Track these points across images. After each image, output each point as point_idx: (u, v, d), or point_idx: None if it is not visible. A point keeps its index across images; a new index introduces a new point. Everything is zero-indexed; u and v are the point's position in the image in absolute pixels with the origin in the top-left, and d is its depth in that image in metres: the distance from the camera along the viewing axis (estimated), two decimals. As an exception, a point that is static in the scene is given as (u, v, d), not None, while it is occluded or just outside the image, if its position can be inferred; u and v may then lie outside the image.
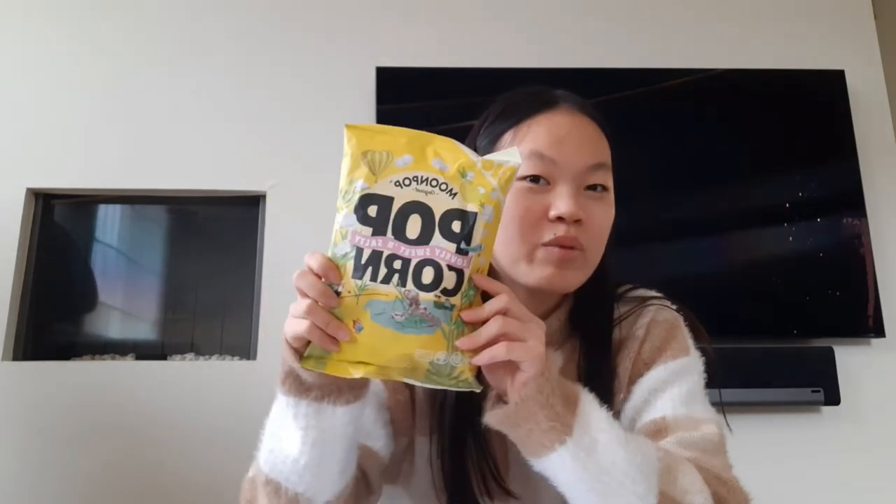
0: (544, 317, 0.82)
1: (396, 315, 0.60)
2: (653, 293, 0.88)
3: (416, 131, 0.64)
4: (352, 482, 0.74)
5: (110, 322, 2.22)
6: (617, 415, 0.80)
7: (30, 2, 2.28)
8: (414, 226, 0.61)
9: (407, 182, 0.62)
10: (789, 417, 2.08)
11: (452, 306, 0.61)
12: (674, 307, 0.86)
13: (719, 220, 2.15)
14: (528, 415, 0.63)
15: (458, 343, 0.61)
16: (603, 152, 0.81)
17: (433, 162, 0.63)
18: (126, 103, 2.20)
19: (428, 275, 0.60)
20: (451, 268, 0.61)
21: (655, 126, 2.22)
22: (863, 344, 2.14)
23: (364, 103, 2.19)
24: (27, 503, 1.90)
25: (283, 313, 2.01)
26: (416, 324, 0.60)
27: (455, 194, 0.62)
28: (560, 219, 0.76)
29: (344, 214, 0.63)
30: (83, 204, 2.25)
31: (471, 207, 0.61)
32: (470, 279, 0.62)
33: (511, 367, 0.63)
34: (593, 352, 0.81)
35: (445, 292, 0.60)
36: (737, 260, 2.13)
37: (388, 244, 0.61)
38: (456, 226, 0.61)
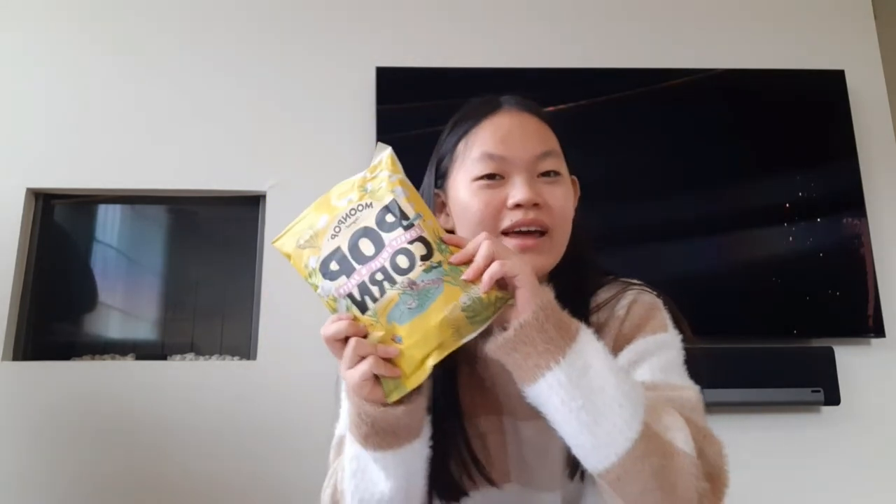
0: None
1: (410, 305, 0.67)
2: (634, 281, 0.91)
3: (316, 201, 0.78)
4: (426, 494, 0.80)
5: (110, 322, 2.22)
6: None
7: (30, 2, 2.28)
8: (366, 245, 0.70)
9: (337, 229, 0.72)
10: (789, 417, 2.08)
11: (438, 263, 0.68)
12: (654, 292, 0.89)
13: (719, 220, 2.15)
14: (525, 339, 0.67)
15: (463, 276, 0.68)
16: (549, 141, 0.87)
17: (340, 203, 0.74)
18: (126, 103, 2.20)
19: (402, 261, 0.68)
20: (411, 242, 0.68)
21: (655, 126, 2.22)
22: (863, 344, 2.14)
23: (364, 103, 2.19)
24: (28, 503, 1.90)
25: (283, 313, 2.03)
26: (427, 296, 0.67)
27: (371, 204, 0.71)
28: (518, 206, 0.82)
29: (320, 287, 0.72)
30: (83, 204, 2.25)
31: (387, 199, 0.71)
32: (440, 239, 0.70)
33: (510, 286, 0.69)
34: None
35: (424, 258, 0.68)
36: (737, 260, 2.13)
37: (362, 272, 0.69)
38: (389, 218, 0.70)
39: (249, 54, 2.26)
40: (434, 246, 0.68)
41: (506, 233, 0.82)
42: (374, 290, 0.68)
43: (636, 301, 0.86)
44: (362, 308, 0.69)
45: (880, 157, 2.28)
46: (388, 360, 0.67)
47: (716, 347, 2.05)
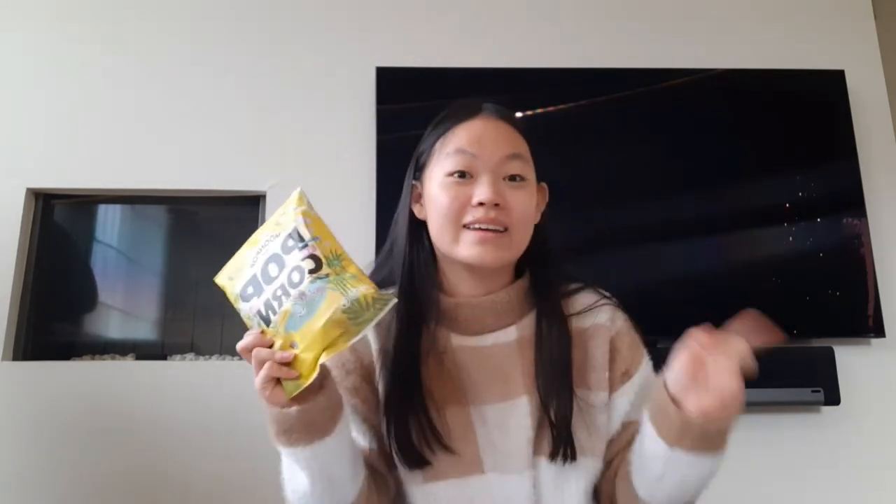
0: (496, 291, 0.95)
1: (301, 313, 0.76)
2: (604, 293, 1.01)
3: (248, 240, 0.86)
4: (364, 482, 0.87)
5: (110, 322, 2.22)
6: (588, 384, 0.94)
7: (30, 2, 2.28)
8: (273, 268, 0.79)
9: (254, 259, 0.82)
10: (789, 417, 2.08)
11: (326, 274, 0.76)
12: (619, 304, 1.00)
13: (719, 220, 2.15)
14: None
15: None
16: (518, 146, 0.93)
17: (260, 237, 0.83)
18: (126, 103, 2.20)
19: (295, 276, 0.77)
20: (303, 259, 0.77)
21: (655, 126, 2.22)
22: (863, 344, 2.14)
23: (364, 103, 2.19)
24: (28, 503, 1.90)
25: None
26: (313, 303, 0.75)
27: (279, 234, 0.80)
28: (481, 204, 0.89)
29: (241, 310, 0.84)
30: (83, 204, 2.25)
31: (289, 228, 0.80)
32: (338, 256, 0.79)
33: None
34: (548, 320, 0.94)
35: (312, 271, 0.77)
36: (737, 260, 2.13)
37: (267, 291, 0.79)
38: (290, 243, 0.79)
39: (249, 54, 2.26)
40: (324, 261, 0.77)
41: (467, 226, 0.90)
42: (275, 304, 0.78)
43: (616, 318, 0.97)
44: (267, 322, 0.79)
45: (880, 157, 2.28)
46: (286, 365, 0.76)
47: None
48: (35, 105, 2.18)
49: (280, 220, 0.82)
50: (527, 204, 0.92)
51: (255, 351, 0.78)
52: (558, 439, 0.88)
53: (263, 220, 2.13)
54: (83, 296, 2.21)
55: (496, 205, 0.89)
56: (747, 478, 2.04)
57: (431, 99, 2.16)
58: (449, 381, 0.92)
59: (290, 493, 0.88)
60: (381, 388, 0.93)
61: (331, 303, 0.75)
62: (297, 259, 0.77)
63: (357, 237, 2.07)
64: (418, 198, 0.98)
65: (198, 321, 2.20)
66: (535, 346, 0.93)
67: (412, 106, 2.16)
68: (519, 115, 2.15)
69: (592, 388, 0.93)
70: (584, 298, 0.99)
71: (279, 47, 2.27)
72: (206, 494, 1.93)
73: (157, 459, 1.94)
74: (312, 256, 0.77)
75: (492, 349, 0.93)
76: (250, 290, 0.81)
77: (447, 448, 0.89)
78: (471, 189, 0.90)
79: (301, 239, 0.78)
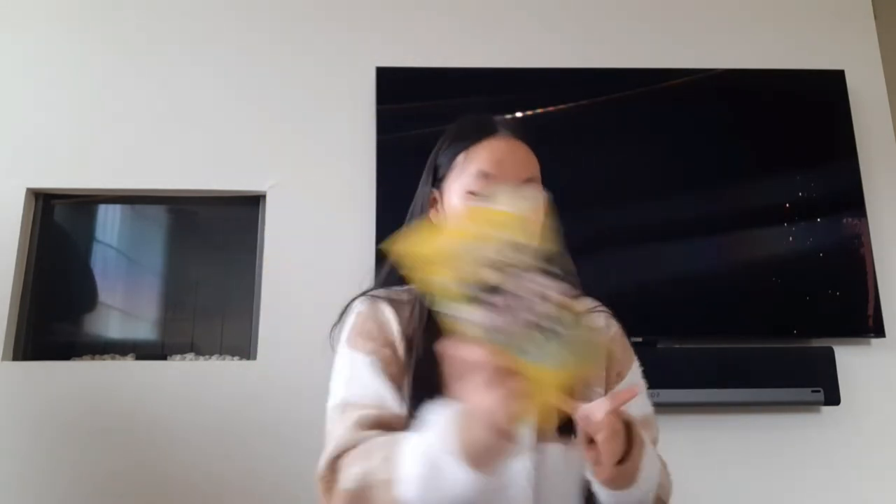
0: None
1: (557, 352, 0.73)
2: (597, 302, 1.09)
3: (465, 224, 0.82)
4: None
5: (110, 322, 2.22)
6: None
7: (30, 2, 2.28)
8: (527, 287, 0.74)
9: (492, 262, 0.74)
10: (789, 417, 2.08)
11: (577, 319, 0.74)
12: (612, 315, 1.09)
13: (719, 220, 2.15)
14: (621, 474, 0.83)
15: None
16: (532, 169, 1.02)
17: (495, 234, 0.76)
18: (126, 103, 2.20)
19: (559, 314, 0.73)
20: (562, 294, 0.74)
21: (655, 126, 2.22)
22: (863, 344, 2.14)
23: (364, 103, 2.19)
24: (28, 503, 1.90)
25: (283, 313, 2.03)
26: (572, 349, 0.73)
27: (527, 248, 0.75)
28: None
29: (464, 311, 0.73)
30: (83, 204, 2.25)
31: (550, 251, 0.77)
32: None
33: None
34: None
35: (568, 312, 0.74)
36: (737, 260, 2.13)
37: (525, 314, 0.73)
38: (551, 270, 0.75)
39: (249, 54, 2.26)
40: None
41: None
42: (531, 333, 0.72)
43: (611, 325, 1.07)
44: (518, 349, 0.71)
45: (880, 157, 2.28)
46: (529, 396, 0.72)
47: (716, 347, 2.05)
48: (35, 105, 2.18)
49: (529, 231, 0.75)
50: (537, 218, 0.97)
51: (520, 382, 0.72)
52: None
53: (263, 221, 2.14)
54: (83, 296, 2.21)
55: None
56: (747, 477, 2.04)
57: (431, 99, 2.19)
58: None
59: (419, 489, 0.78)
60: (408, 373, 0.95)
61: (586, 352, 0.74)
62: (557, 292, 0.73)
63: (357, 237, 2.07)
64: (434, 203, 1.04)
65: (198, 321, 2.20)
66: None
67: (412, 106, 2.16)
68: (519, 115, 2.17)
69: (592, 384, 1.00)
70: (582, 304, 1.05)
71: (279, 47, 2.27)
72: (206, 494, 1.93)
73: (157, 459, 1.94)
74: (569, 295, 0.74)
75: None
76: (498, 301, 0.72)
77: None
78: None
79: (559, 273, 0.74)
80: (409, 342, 0.96)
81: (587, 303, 1.06)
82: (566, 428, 0.89)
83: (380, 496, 0.79)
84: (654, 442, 1.01)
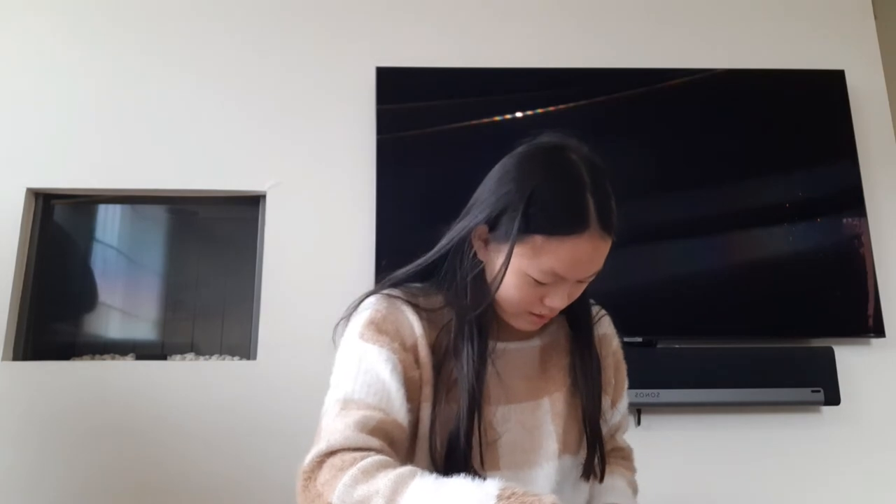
0: None
1: None
2: (597, 305, 1.09)
3: None
4: None
5: (110, 322, 2.22)
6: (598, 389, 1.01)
7: (30, 2, 2.28)
8: None
9: None
10: (789, 417, 2.08)
11: None
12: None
13: (719, 220, 2.15)
14: None
15: None
16: (603, 261, 0.91)
17: None
18: (126, 103, 2.20)
19: None
20: None
21: (655, 126, 2.22)
22: (863, 344, 2.14)
23: (364, 103, 2.19)
24: (28, 502, 1.90)
25: (283, 313, 2.04)
26: None
27: None
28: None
29: None
30: (83, 204, 2.26)
31: None
32: None
33: None
34: (581, 329, 1.03)
35: None
36: (737, 260, 2.13)
37: None
38: None
39: (249, 54, 2.26)
40: None
41: (529, 311, 0.93)
42: None
43: (614, 332, 1.09)
44: None
45: (880, 157, 2.28)
46: None
47: (716, 347, 2.05)
48: (35, 105, 2.19)
49: None
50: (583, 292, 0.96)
51: None
52: (593, 444, 0.98)
53: (263, 221, 2.14)
54: (83, 296, 2.21)
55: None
56: (747, 477, 2.04)
57: (431, 99, 2.19)
58: (493, 381, 0.95)
59: None
60: (429, 384, 0.91)
61: None
62: None
63: (357, 237, 2.07)
64: (483, 238, 0.92)
65: (198, 321, 2.20)
66: (572, 352, 1.01)
67: (412, 106, 2.16)
68: (519, 115, 2.17)
69: (605, 392, 1.03)
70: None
71: (279, 47, 2.27)
72: (206, 494, 1.93)
73: (157, 459, 1.94)
74: None
75: (516, 353, 1.00)
76: None
77: (476, 471, 0.89)
78: (545, 290, 0.90)
79: None
80: (439, 356, 0.91)
81: (592, 308, 1.07)
82: (597, 460, 0.98)
83: None
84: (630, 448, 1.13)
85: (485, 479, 0.86)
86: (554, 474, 0.94)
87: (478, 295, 0.92)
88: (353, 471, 0.74)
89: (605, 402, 1.02)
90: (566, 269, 0.86)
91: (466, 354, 0.89)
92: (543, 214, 0.86)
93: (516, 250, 0.87)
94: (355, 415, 0.81)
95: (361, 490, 0.72)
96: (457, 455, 0.87)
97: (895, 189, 2.26)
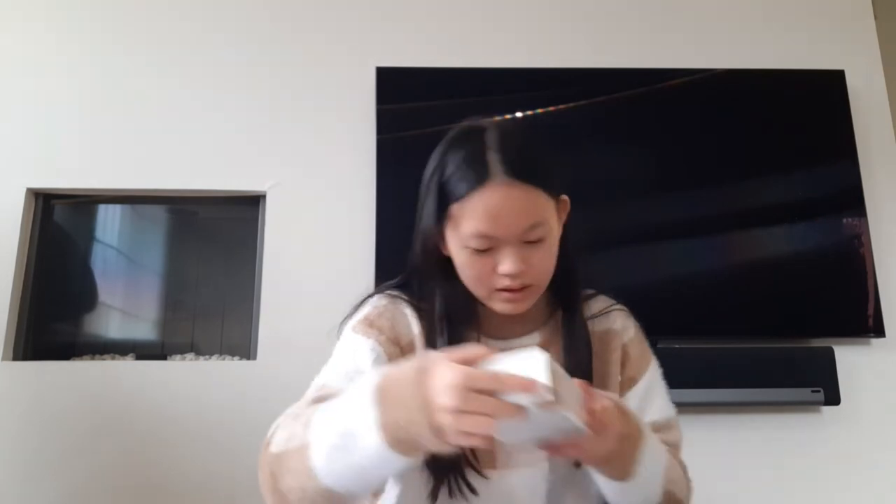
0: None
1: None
2: (613, 300, 1.05)
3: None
4: None
5: (110, 322, 2.22)
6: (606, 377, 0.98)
7: (30, 2, 2.28)
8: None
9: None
10: (789, 417, 2.08)
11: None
12: (627, 309, 1.05)
13: (719, 220, 2.15)
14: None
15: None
16: (535, 212, 0.88)
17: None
18: (126, 103, 2.20)
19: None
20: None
21: (655, 126, 2.22)
22: (863, 344, 2.14)
23: (364, 103, 2.19)
24: (28, 502, 1.90)
25: (283, 313, 2.03)
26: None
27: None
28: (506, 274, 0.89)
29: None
30: (83, 204, 2.26)
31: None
32: None
33: None
34: (571, 326, 0.98)
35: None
36: (737, 260, 2.13)
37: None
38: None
39: (249, 54, 2.26)
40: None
41: (496, 289, 0.91)
42: None
43: (629, 326, 1.02)
44: None
45: (880, 157, 2.28)
46: None
47: (716, 347, 2.05)
48: (35, 105, 2.18)
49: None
50: (548, 257, 0.91)
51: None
52: None
53: (263, 221, 2.14)
54: (83, 296, 2.21)
55: (522, 271, 0.89)
56: (747, 477, 2.04)
57: (431, 99, 2.19)
58: None
59: (338, 479, 0.74)
60: None
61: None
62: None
63: (357, 237, 2.07)
64: (441, 235, 0.93)
65: (198, 321, 2.20)
66: (563, 350, 0.96)
67: (412, 106, 2.16)
68: (519, 115, 2.16)
69: (609, 388, 0.97)
70: (598, 304, 1.03)
71: (279, 47, 2.27)
72: (206, 494, 1.93)
73: (156, 459, 1.94)
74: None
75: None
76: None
77: (478, 471, 0.90)
78: (493, 259, 0.88)
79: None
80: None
81: (601, 302, 1.03)
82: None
83: (293, 461, 0.76)
84: (676, 446, 0.99)
85: (486, 477, 0.90)
86: (549, 474, 0.92)
87: (443, 287, 0.95)
88: (284, 417, 0.84)
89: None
90: (487, 225, 0.86)
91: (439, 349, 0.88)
92: (449, 184, 0.89)
93: (448, 230, 0.90)
94: (318, 394, 0.87)
95: (288, 429, 0.80)
96: (448, 455, 0.85)
97: (895, 189, 2.26)
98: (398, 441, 0.69)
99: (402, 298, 0.97)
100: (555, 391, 0.66)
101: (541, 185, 0.88)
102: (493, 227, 0.86)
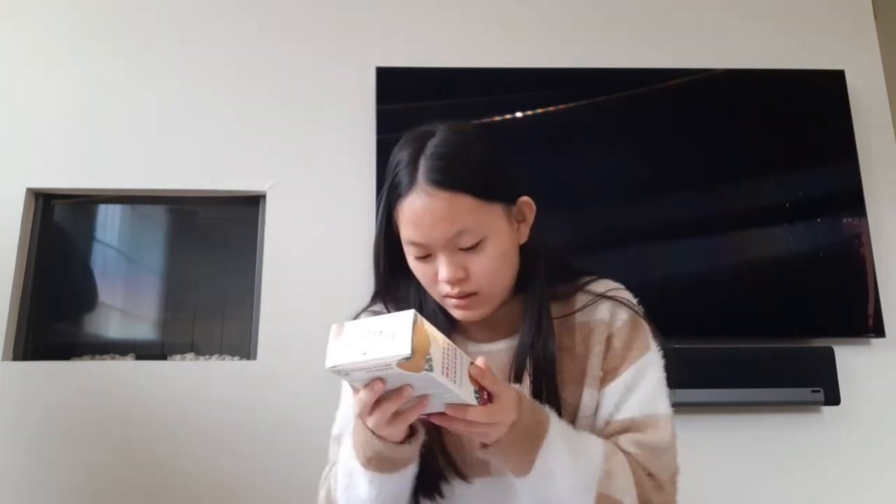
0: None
1: None
2: (613, 284, 1.00)
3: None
4: None
5: (110, 322, 2.22)
6: (581, 381, 0.93)
7: (31, 3, 2.28)
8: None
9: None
10: (789, 417, 2.08)
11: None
12: (634, 301, 0.99)
13: (719, 220, 2.15)
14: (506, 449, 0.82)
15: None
16: (460, 219, 0.86)
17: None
18: (126, 103, 2.20)
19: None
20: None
21: (656, 126, 2.22)
22: (863, 344, 2.14)
23: (364, 103, 2.19)
24: (28, 502, 1.90)
25: (283, 313, 2.03)
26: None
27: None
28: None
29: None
30: (83, 204, 2.26)
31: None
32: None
33: None
34: (535, 336, 0.93)
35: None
36: (736, 260, 2.13)
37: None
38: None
39: (249, 54, 2.26)
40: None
41: (445, 295, 0.90)
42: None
43: (618, 315, 0.96)
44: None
45: (880, 157, 2.27)
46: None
47: (716, 347, 2.05)
48: (35, 105, 2.19)
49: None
50: (489, 263, 0.89)
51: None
52: None
53: (263, 221, 2.14)
54: (83, 296, 2.21)
55: (460, 278, 0.88)
56: (747, 477, 2.04)
57: (431, 99, 2.19)
58: None
59: (343, 497, 0.89)
60: None
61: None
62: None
63: (357, 237, 2.07)
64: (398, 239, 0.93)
65: (198, 321, 2.20)
66: (527, 357, 0.92)
67: (412, 106, 2.16)
68: (519, 115, 2.16)
69: (586, 385, 0.93)
70: (585, 296, 0.98)
71: (279, 47, 2.27)
72: (206, 494, 1.93)
73: (157, 459, 1.94)
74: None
75: (487, 355, 0.90)
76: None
77: (461, 475, 0.92)
78: (434, 265, 0.88)
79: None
80: None
81: (602, 285, 0.99)
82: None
83: None
84: (654, 448, 0.89)
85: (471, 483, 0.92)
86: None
87: (416, 294, 0.96)
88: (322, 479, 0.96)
89: (588, 394, 0.92)
90: (413, 232, 0.86)
91: None
92: (390, 187, 0.90)
93: (398, 224, 0.89)
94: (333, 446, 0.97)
95: (323, 489, 0.94)
96: (435, 461, 0.90)
97: (895, 189, 2.26)
98: (367, 460, 0.81)
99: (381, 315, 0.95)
100: (428, 358, 0.68)
101: (471, 192, 0.86)
102: (419, 235, 0.86)
